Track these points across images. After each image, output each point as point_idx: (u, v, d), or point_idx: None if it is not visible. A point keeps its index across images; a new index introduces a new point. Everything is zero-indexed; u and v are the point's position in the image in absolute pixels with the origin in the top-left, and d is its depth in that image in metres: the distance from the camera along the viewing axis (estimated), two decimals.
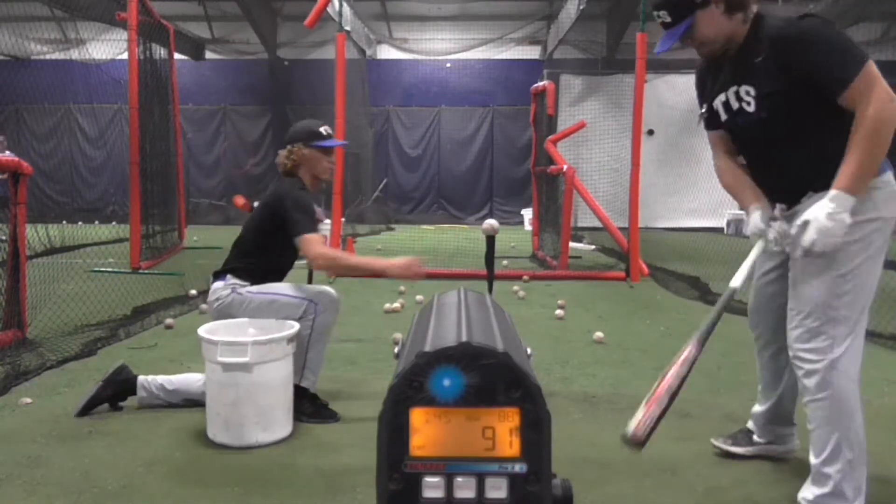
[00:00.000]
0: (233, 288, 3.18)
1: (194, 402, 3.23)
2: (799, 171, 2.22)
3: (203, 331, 2.95)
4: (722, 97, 2.34)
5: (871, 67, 2.00)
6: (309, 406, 3.17)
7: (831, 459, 2.17)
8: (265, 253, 3.25)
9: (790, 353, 2.24)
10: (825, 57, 2.04)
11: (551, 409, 1.33)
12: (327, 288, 3.23)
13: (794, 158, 2.22)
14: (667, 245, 9.88)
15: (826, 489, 2.18)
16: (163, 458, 2.73)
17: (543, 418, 1.32)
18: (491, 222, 3.24)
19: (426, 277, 3.26)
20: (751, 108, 2.23)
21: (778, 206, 2.34)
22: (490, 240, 3.17)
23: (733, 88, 2.28)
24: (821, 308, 2.14)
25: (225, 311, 3.19)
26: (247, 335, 3.00)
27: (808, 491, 2.24)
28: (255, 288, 3.19)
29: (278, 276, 3.30)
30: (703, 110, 2.45)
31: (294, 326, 3.01)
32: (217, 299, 3.22)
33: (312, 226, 3.15)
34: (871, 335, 4.73)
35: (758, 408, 2.73)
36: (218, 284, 3.25)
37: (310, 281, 3.52)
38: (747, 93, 2.23)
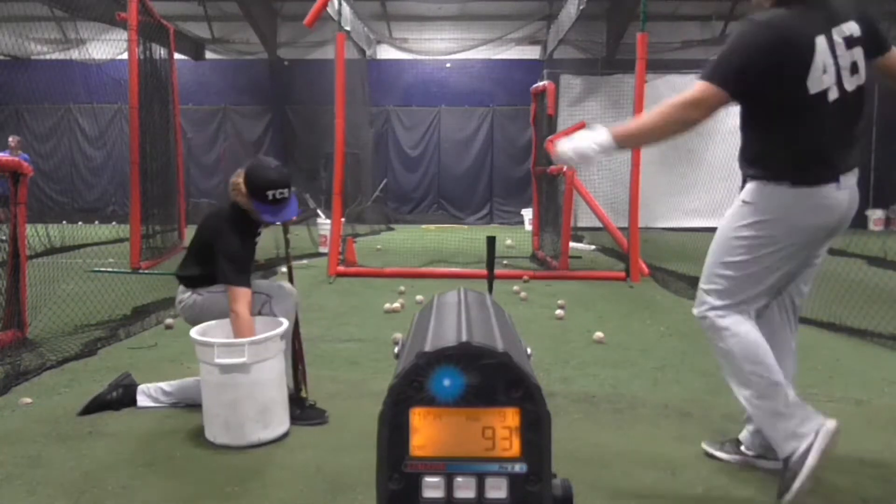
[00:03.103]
0: (193, 289, 3.24)
1: (194, 403, 3.23)
2: (744, 154, 2.49)
3: (196, 333, 2.95)
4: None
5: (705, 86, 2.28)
6: (294, 409, 3.13)
7: None
8: (211, 269, 3.16)
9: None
10: None
11: (551, 409, 1.33)
12: (283, 283, 3.24)
13: (743, 139, 2.49)
14: (667, 245, 9.88)
15: None
16: (163, 458, 2.73)
17: (543, 418, 1.32)
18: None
19: None
20: None
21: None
22: (490, 242, 3.16)
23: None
24: (705, 283, 2.61)
25: (190, 313, 3.26)
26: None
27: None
28: (214, 287, 3.20)
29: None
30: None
31: (284, 323, 3.02)
32: (180, 302, 3.30)
33: (241, 277, 3.02)
34: (872, 335, 4.73)
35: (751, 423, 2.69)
36: (181, 289, 3.31)
37: (290, 281, 3.47)
38: None
